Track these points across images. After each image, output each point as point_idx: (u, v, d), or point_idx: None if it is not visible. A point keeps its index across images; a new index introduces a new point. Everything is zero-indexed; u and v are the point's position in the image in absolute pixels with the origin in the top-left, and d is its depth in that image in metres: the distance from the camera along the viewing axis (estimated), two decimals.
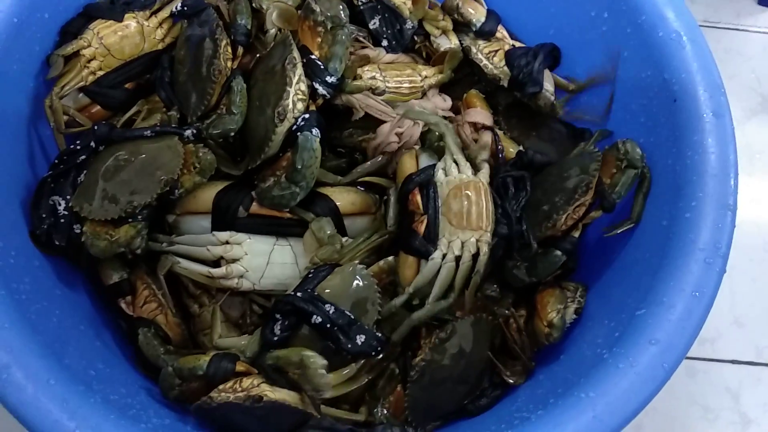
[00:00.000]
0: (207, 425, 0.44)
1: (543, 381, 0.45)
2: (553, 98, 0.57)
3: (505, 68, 0.57)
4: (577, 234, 0.47)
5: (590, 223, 0.50)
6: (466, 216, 0.46)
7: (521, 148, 0.56)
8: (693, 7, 0.81)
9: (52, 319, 0.44)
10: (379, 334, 0.45)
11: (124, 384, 0.44)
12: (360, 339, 0.45)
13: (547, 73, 0.57)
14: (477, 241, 0.46)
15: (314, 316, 0.45)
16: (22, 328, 0.40)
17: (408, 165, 0.50)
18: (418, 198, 0.48)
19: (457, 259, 0.46)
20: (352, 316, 0.46)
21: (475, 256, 0.46)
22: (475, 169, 0.49)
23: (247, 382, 0.44)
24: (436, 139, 0.54)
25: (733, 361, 0.63)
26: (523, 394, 0.45)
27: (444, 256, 0.46)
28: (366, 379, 0.46)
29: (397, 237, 0.50)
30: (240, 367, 0.45)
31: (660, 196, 0.48)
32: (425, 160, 0.50)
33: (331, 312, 0.45)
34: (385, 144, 0.54)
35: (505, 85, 0.57)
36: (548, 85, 0.57)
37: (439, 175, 0.48)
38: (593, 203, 0.47)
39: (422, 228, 0.47)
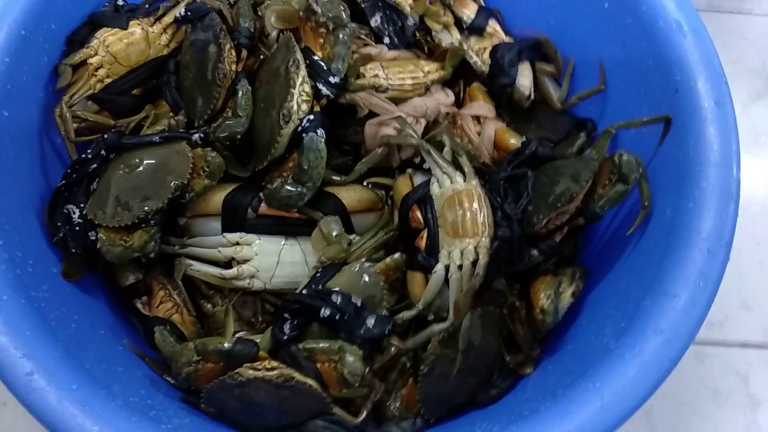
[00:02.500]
0: (220, 405, 0.46)
1: (552, 371, 0.46)
2: (527, 92, 0.58)
3: None
4: (558, 239, 0.48)
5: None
6: (461, 225, 0.46)
7: (524, 138, 0.57)
8: None
9: (71, 324, 0.45)
10: (387, 314, 0.46)
11: (144, 386, 0.45)
12: (371, 322, 0.46)
13: (526, 67, 0.58)
14: (475, 248, 0.46)
15: (322, 309, 0.46)
16: (43, 335, 0.41)
17: (402, 186, 0.51)
18: (418, 213, 0.48)
19: (459, 268, 0.46)
20: (359, 303, 0.47)
21: (476, 262, 0.46)
22: (466, 176, 0.49)
23: (273, 363, 0.45)
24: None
25: (741, 345, 0.63)
26: (532, 385, 0.46)
27: (447, 267, 0.46)
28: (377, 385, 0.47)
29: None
30: (261, 353, 0.46)
31: (664, 187, 0.48)
32: (419, 178, 0.51)
33: (338, 302, 0.46)
34: (377, 137, 0.54)
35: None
36: (523, 79, 0.57)
37: (434, 188, 0.49)
38: (580, 210, 0.47)
39: (423, 243, 0.47)
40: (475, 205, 0.47)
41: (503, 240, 0.46)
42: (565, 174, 0.47)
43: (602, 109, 0.58)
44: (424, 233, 0.48)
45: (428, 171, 0.51)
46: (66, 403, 0.38)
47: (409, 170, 0.53)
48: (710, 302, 0.41)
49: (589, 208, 0.46)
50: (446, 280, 0.47)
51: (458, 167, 0.50)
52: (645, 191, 0.46)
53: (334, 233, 0.50)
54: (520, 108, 0.60)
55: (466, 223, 0.46)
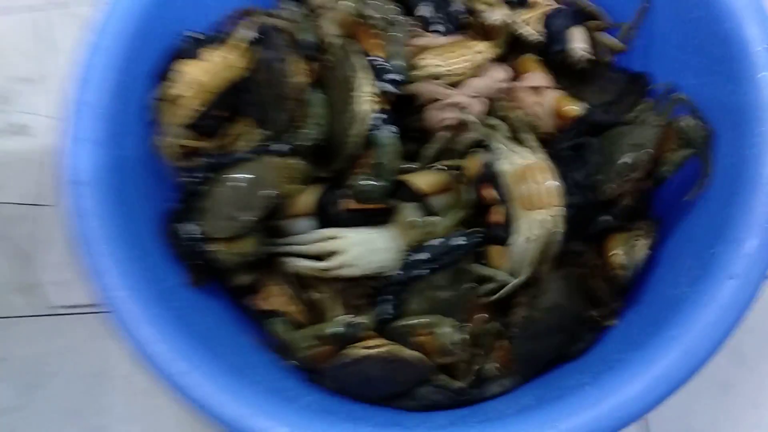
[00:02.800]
0: (340, 381, 0.52)
1: (634, 321, 0.50)
2: (582, 54, 0.59)
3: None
4: (627, 201, 0.50)
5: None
6: (534, 197, 0.50)
7: (585, 104, 0.59)
8: None
9: (206, 326, 0.53)
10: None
11: (274, 371, 0.53)
12: (461, 240, 0.51)
13: (578, 30, 0.59)
14: (551, 217, 0.50)
15: (420, 271, 0.51)
16: (189, 338, 0.48)
17: (472, 166, 0.55)
18: (492, 191, 0.52)
19: (538, 237, 0.50)
20: (438, 242, 0.52)
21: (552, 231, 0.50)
22: (533, 150, 0.52)
23: (379, 341, 0.51)
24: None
25: None
26: (617, 336, 0.50)
27: (527, 239, 0.50)
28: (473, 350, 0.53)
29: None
30: (367, 333, 0.53)
31: (723, 134, 0.50)
32: (487, 157, 0.55)
33: (427, 257, 0.52)
34: (442, 119, 0.58)
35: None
36: (577, 42, 0.59)
37: (503, 164, 0.52)
38: (647, 173, 0.50)
39: (499, 217, 0.51)
40: (545, 176, 0.51)
41: (576, 207, 0.49)
42: (630, 141, 0.50)
43: (656, 63, 0.59)
44: (499, 209, 0.52)
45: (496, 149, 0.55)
46: (221, 393, 0.45)
47: (477, 149, 0.57)
48: None
49: (655, 171, 0.49)
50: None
51: (522, 142, 0.54)
52: (707, 161, 0.48)
53: (410, 218, 0.55)
54: (576, 72, 0.62)
55: (538, 195, 0.50)
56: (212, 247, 0.55)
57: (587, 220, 0.50)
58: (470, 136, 0.58)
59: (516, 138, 0.54)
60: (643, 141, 0.49)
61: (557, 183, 0.50)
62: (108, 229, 0.51)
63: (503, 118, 0.57)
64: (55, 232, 0.77)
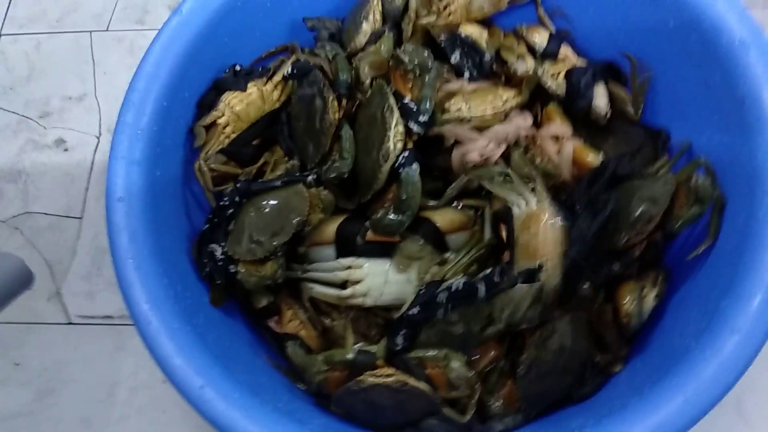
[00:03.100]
0: (348, 407, 0.53)
1: (639, 369, 0.51)
2: (604, 112, 0.62)
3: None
4: (637, 252, 0.52)
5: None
6: (532, 246, 0.52)
7: (602, 154, 0.61)
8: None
9: (223, 344, 0.54)
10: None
11: (285, 393, 0.54)
12: (481, 287, 0.52)
13: (601, 87, 0.62)
14: (548, 268, 0.51)
15: (437, 313, 0.53)
16: (206, 355, 0.50)
17: (496, 204, 0.57)
18: (503, 232, 0.54)
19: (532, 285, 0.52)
20: (457, 286, 0.53)
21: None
22: (538, 197, 0.54)
23: (390, 370, 0.53)
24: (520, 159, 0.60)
25: None
26: (621, 382, 0.51)
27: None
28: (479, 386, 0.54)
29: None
30: (378, 362, 0.54)
31: (736, 193, 0.52)
32: (510, 197, 0.56)
33: (445, 298, 0.53)
34: (467, 162, 0.61)
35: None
36: (600, 99, 0.62)
37: (515, 209, 0.54)
38: (657, 227, 0.52)
39: (506, 256, 0.53)
40: (544, 227, 0.52)
41: (575, 259, 0.51)
42: (644, 195, 0.51)
43: (675, 121, 0.61)
44: (507, 250, 0.54)
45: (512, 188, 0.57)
46: (232, 410, 0.47)
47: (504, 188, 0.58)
48: None
49: (667, 227, 0.51)
50: None
51: (532, 189, 0.55)
52: (715, 223, 0.50)
53: (407, 249, 0.57)
54: (596, 124, 0.65)
55: (536, 245, 0.52)
56: (235, 269, 0.58)
57: (596, 269, 0.52)
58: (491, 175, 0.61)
59: (524, 183, 0.56)
60: (657, 196, 0.51)
61: (559, 234, 0.52)
62: (137, 245, 0.53)
63: (531, 162, 0.59)
64: (81, 245, 0.80)
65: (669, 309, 0.55)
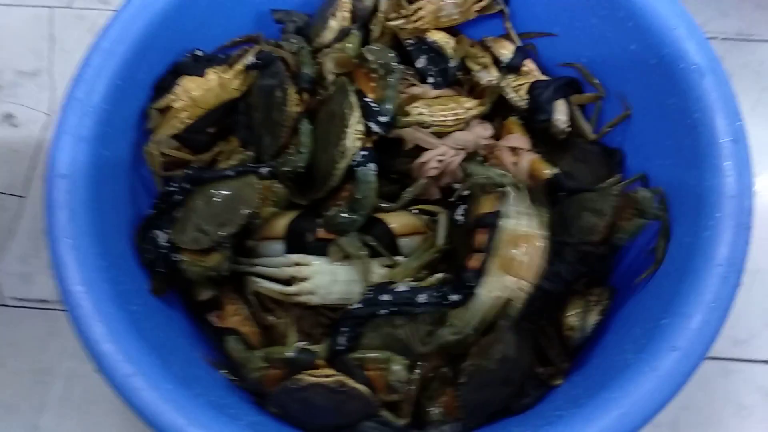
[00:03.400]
0: (284, 406, 0.52)
1: (579, 383, 0.51)
2: (563, 127, 0.63)
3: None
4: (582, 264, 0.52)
5: None
6: (514, 263, 0.51)
7: (557, 169, 0.62)
8: (727, 21, 0.85)
9: (160, 334, 0.52)
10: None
11: (220, 388, 0.52)
12: (424, 298, 0.52)
13: (561, 103, 0.63)
14: (517, 288, 0.51)
15: (380, 310, 0.52)
16: (139, 343, 0.48)
17: (485, 204, 0.55)
18: (482, 236, 0.53)
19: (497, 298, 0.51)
20: (406, 287, 0.53)
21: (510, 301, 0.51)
22: (538, 223, 0.53)
23: (329, 371, 0.52)
24: (478, 165, 0.60)
25: (765, 361, 0.67)
26: (561, 395, 0.51)
27: (488, 295, 0.51)
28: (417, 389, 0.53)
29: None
30: (318, 362, 0.53)
31: (684, 215, 0.52)
32: (501, 205, 0.55)
33: (389, 299, 0.52)
34: (426, 169, 0.61)
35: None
36: (560, 115, 0.62)
37: (505, 221, 0.53)
38: (603, 239, 0.52)
39: (475, 264, 0.52)
40: (534, 252, 0.52)
41: (544, 292, 0.51)
42: (591, 206, 0.52)
43: (630, 141, 0.62)
44: (479, 256, 0.53)
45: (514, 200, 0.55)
46: (161, 400, 0.45)
47: (500, 191, 0.56)
48: (722, 323, 0.45)
49: (612, 239, 0.51)
50: None
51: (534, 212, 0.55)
52: (661, 249, 0.51)
53: (347, 244, 0.56)
54: (555, 140, 0.65)
55: (519, 264, 0.51)
56: (178, 257, 0.56)
57: (552, 305, 0.52)
58: (445, 181, 0.60)
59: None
60: (602, 208, 0.51)
61: (539, 263, 0.51)
62: (76, 224, 0.51)
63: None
64: (22, 224, 0.77)
65: (612, 325, 0.55)
